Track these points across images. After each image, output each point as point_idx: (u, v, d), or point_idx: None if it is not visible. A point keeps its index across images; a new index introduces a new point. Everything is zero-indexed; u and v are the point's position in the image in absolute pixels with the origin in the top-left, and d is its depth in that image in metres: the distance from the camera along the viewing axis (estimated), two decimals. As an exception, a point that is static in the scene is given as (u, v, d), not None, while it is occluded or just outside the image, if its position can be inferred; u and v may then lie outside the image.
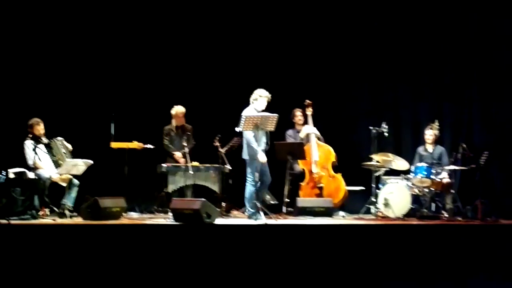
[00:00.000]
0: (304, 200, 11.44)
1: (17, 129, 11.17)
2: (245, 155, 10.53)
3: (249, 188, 10.44)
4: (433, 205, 11.34)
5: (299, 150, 11.38)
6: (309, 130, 11.84)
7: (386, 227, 10.09)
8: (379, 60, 13.18)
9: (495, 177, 12.30)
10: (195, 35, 13.08)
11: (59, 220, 10.10)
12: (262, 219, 9.99)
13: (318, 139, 11.96)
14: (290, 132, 11.84)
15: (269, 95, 10.56)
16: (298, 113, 12.02)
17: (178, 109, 11.89)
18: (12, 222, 9.20)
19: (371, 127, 11.69)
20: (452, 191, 11.36)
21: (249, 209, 10.41)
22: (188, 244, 8.81)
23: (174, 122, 11.94)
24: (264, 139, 10.52)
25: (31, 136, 10.81)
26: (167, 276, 8.56)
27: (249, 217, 10.37)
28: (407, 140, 13.02)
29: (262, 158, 10.41)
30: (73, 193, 10.71)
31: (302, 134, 11.83)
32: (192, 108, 12.13)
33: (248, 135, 10.41)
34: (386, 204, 11.16)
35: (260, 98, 10.54)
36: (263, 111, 10.52)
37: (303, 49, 13.15)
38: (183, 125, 11.92)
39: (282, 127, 11.17)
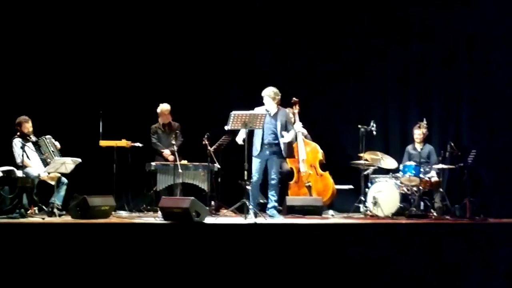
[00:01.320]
0: (293, 198, 11.48)
1: (5, 127, 11.12)
2: None
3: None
4: (422, 203, 11.37)
5: (288, 149, 11.40)
6: (296, 128, 11.86)
7: (375, 225, 10.09)
8: (367, 58, 13.19)
9: (483, 175, 12.34)
10: (182, 32, 13.08)
11: (48, 219, 10.06)
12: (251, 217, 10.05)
13: (305, 137, 11.98)
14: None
15: (271, 93, 10.64)
16: (290, 114, 12.02)
17: (163, 107, 11.89)
18: (0, 220, 9.15)
19: (359, 126, 11.68)
20: (441, 189, 11.40)
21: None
22: (177, 243, 8.79)
23: (160, 120, 11.95)
24: (260, 136, 10.54)
25: (19, 134, 10.77)
26: (156, 274, 8.55)
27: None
28: (395, 138, 13.06)
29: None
30: (62, 191, 10.68)
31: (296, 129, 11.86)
32: (180, 106, 12.13)
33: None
34: (375, 203, 11.19)
35: (265, 97, 10.63)
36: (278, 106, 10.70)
37: (293, 47, 13.18)
38: (170, 123, 11.93)
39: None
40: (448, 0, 12.98)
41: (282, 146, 10.69)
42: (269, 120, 10.65)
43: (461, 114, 12.89)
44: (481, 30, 12.73)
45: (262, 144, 10.56)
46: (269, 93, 10.65)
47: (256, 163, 10.55)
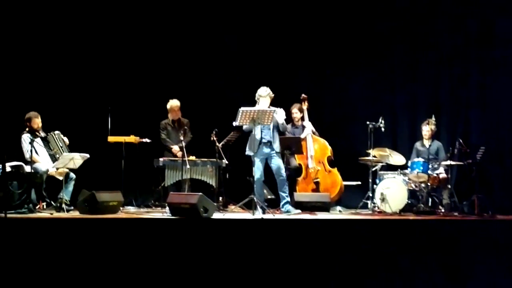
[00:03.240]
0: (301, 194, 11.47)
1: (14, 122, 11.14)
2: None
3: None
4: (430, 200, 11.35)
5: (296, 145, 11.41)
6: (305, 124, 11.90)
7: (383, 222, 10.08)
8: (376, 55, 13.17)
9: (491, 172, 12.32)
10: (191, 28, 13.07)
11: (56, 214, 10.08)
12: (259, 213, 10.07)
13: (313, 133, 11.98)
14: (288, 127, 11.79)
15: (269, 92, 10.65)
16: (294, 110, 12.03)
17: (173, 103, 11.91)
18: (9, 215, 9.17)
19: (368, 122, 11.68)
20: (449, 186, 11.37)
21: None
22: (185, 239, 8.80)
23: (170, 116, 11.96)
24: (258, 135, 10.56)
25: (28, 129, 10.80)
26: (164, 270, 8.56)
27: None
28: (404, 135, 13.04)
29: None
30: (70, 187, 10.70)
31: (303, 135, 11.86)
32: (189, 102, 12.14)
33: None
34: (383, 199, 11.18)
35: (261, 98, 10.60)
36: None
37: (300, 44, 13.16)
38: (179, 119, 11.94)
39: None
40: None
41: (276, 142, 10.70)
42: None
43: (469, 111, 12.84)
44: (489, 27, 12.68)
45: (260, 142, 10.54)
46: (269, 93, 10.66)
47: (256, 162, 10.54)
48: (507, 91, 12.53)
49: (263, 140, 10.59)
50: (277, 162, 10.69)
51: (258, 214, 9.94)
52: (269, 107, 10.61)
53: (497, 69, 12.68)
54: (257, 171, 10.54)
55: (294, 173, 11.82)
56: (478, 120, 12.77)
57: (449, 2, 12.96)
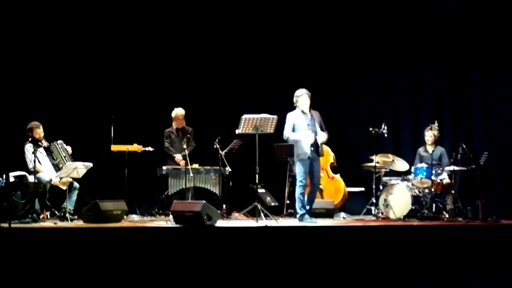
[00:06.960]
0: (304, 201, 11.45)
1: (17, 132, 11.16)
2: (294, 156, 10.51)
3: (297, 190, 10.43)
4: (434, 205, 11.34)
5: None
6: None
7: (387, 228, 10.06)
8: (378, 61, 13.18)
9: (495, 177, 12.30)
10: (195, 36, 13.09)
11: (60, 224, 10.10)
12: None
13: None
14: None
15: (305, 92, 10.55)
16: None
17: (177, 111, 11.90)
18: (13, 225, 9.18)
19: (370, 128, 11.67)
20: (453, 191, 11.36)
21: (298, 210, 10.42)
22: (189, 247, 8.79)
23: (174, 125, 11.95)
24: (312, 138, 10.42)
25: (30, 139, 10.81)
26: (168, 279, 8.55)
27: (299, 219, 10.36)
28: (407, 141, 13.01)
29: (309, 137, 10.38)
30: (74, 196, 10.70)
31: None
32: (192, 111, 12.14)
33: (286, 133, 10.41)
34: (387, 205, 11.19)
35: (299, 98, 10.53)
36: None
37: (302, 50, 13.16)
38: (183, 127, 11.93)
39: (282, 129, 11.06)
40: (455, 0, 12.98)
41: (319, 145, 10.61)
42: (310, 121, 10.55)
43: (472, 116, 12.82)
44: (488, 29, 12.68)
45: (311, 145, 10.45)
46: (303, 92, 10.55)
47: (305, 166, 10.44)
48: (510, 94, 12.51)
49: (312, 142, 10.49)
50: (319, 165, 10.68)
51: (262, 221, 9.89)
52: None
53: (499, 72, 12.64)
54: (306, 176, 10.48)
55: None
56: (481, 125, 12.74)
57: (449, 2, 12.95)
